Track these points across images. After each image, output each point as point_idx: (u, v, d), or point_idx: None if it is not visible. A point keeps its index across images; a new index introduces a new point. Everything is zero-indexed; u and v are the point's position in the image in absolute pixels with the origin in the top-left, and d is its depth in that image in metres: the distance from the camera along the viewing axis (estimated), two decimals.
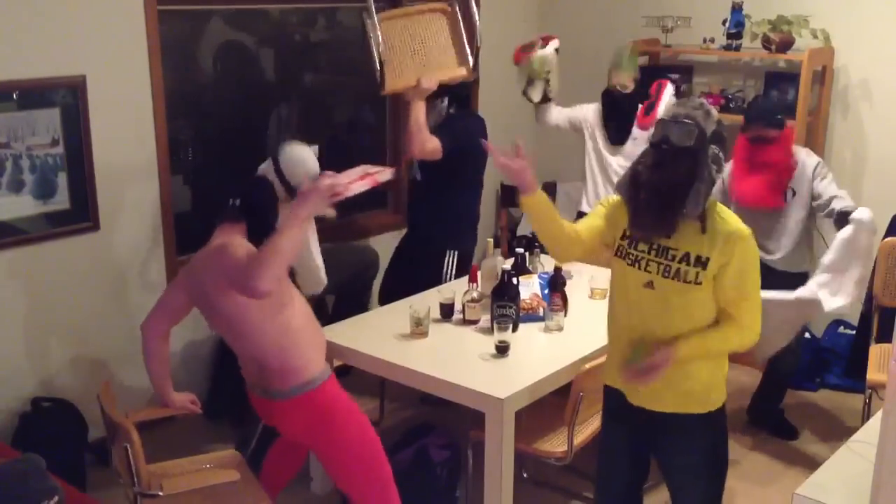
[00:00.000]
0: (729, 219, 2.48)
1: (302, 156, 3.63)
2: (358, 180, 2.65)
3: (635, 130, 4.37)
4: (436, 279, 3.98)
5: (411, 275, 4.04)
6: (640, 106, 4.38)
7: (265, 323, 2.77)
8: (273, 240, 2.56)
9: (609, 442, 2.77)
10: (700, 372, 2.53)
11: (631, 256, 2.53)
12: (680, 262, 2.45)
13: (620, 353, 2.62)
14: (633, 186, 2.46)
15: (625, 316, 2.60)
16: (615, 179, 4.37)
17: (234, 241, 2.79)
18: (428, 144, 3.77)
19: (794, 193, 3.89)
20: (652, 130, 2.51)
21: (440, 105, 3.98)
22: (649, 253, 2.50)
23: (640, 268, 2.51)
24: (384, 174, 2.74)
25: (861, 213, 3.62)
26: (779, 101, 4.25)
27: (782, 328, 3.51)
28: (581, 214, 4.57)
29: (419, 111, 3.74)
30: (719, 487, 2.70)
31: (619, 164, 4.37)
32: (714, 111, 2.48)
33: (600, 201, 2.74)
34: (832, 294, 3.53)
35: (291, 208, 2.59)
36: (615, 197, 2.64)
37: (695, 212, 2.40)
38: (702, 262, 2.43)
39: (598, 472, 2.83)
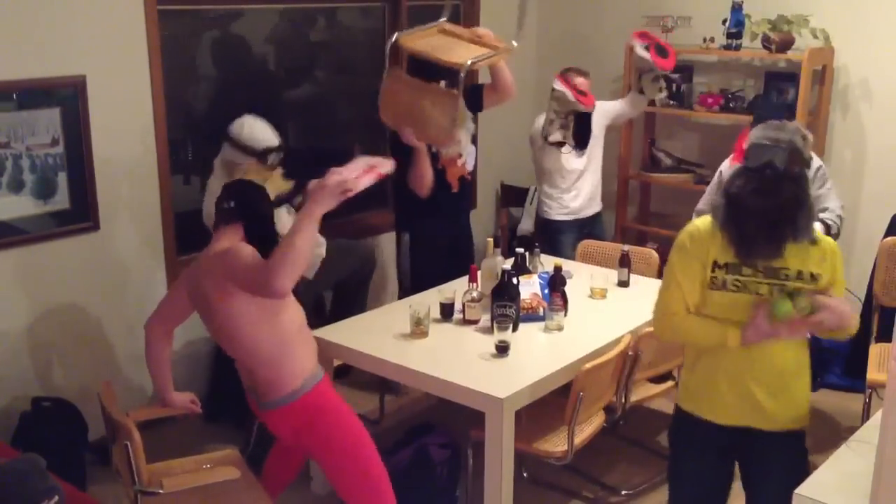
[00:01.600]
0: (821, 234, 2.51)
1: (253, 124, 3.70)
2: (364, 175, 2.64)
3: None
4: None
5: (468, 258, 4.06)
6: (649, 49, 4.53)
7: (260, 331, 2.77)
8: (289, 239, 2.57)
9: (694, 471, 2.71)
10: (802, 385, 2.57)
11: (737, 283, 2.48)
12: (796, 280, 2.45)
13: (725, 381, 2.55)
14: (735, 212, 2.41)
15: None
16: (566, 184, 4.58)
17: (237, 244, 2.78)
18: None
19: None
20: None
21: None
22: (755, 275, 2.46)
23: (749, 292, 2.47)
24: (386, 166, 2.74)
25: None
26: (779, 102, 4.17)
27: None
28: (552, 223, 4.65)
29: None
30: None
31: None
32: (810, 136, 2.48)
33: (680, 252, 2.56)
34: None
35: (304, 207, 2.61)
36: (691, 233, 2.54)
37: (807, 236, 2.41)
38: (814, 279, 2.45)
39: (678, 498, 2.77)
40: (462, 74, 3.59)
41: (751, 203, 2.38)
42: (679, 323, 2.56)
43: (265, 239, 2.83)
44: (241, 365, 2.91)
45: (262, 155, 3.61)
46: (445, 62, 3.66)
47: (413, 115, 3.75)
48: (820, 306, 2.41)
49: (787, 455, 2.60)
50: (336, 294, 4.44)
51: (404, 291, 4.20)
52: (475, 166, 4.22)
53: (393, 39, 3.77)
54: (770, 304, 2.42)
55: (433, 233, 4.17)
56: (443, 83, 3.80)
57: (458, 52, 3.74)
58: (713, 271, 2.50)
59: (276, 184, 3.54)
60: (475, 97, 4.13)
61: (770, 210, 2.37)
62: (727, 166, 3.96)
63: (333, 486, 3.01)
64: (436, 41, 3.86)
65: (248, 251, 2.73)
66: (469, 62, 3.63)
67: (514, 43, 4.02)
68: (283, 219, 3.73)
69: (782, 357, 2.51)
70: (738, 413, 2.56)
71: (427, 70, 3.74)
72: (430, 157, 3.95)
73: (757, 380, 2.52)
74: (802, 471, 2.59)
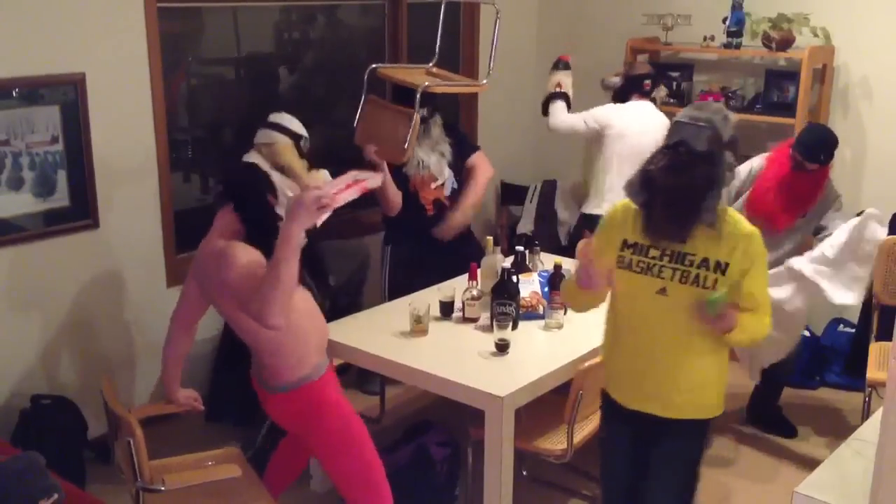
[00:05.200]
0: (739, 221, 2.46)
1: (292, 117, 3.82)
2: (346, 189, 2.59)
3: None
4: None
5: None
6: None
7: None
8: (273, 273, 2.52)
9: (609, 442, 2.78)
10: (706, 375, 2.54)
11: (641, 264, 2.48)
12: (699, 267, 2.42)
13: (623, 363, 2.61)
14: (647, 190, 2.39)
15: (629, 325, 2.57)
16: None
17: (232, 247, 2.73)
18: None
19: (804, 214, 3.87)
20: None
21: (437, 119, 4.19)
22: (662, 259, 2.45)
23: (652, 274, 2.46)
24: (373, 180, 2.72)
25: (872, 210, 3.65)
26: (829, 134, 3.88)
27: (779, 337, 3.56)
28: (588, 217, 4.55)
29: None
30: (692, 495, 2.71)
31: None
32: (732, 116, 2.44)
33: (599, 229, 2.64)
34: (839, 286, 3.57)
35: (283, 228, 2.54)
36: (610, 212, 2.60)
37: (711, 218, 2.38)
38: (721, 268, 2.41)
39: (602, 472, 2.84)
40: (418, 94, 3.84)
41: (660, 180, 2.35)
42: (564, 283, 2.71)
43: (259, 221, 2.80)
44: (250, 348, 2.92)
45: (297, 138, 3.75)
46: (406, 83, 3.97)
47: (374, 132, 4.01)
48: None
49: (680, 443, 2.60)
50: (333, 297, 4.40)
51: (383, 299, 4.24)
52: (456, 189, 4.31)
53: (371, 68, 4.07)
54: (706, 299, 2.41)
55: (408, 253, 4.27)
56: (424, 110, 4.00)
57: (427, 81, 4.03)
58: (622, 250, 2.51)
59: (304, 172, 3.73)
60: (464, 149, 4.34)
61: (677, 188, 2.33)
62: (759, 162, 3.95)
63: (332, 480, 3.02)
64: (413, 74, 4.17)
65: (243, 259, 2.67)
66: (426, 83, 3.91)
67: (485, 81, 4.40)
68: None
69: (683, 345, 2.49)
70: (638, 397, 2.59)
71: (405, 97, 3.98)
72: (402, 180, 4.12)
73: (654, 367, 2.51)
74: (693, 460, 2.64)
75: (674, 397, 2.53)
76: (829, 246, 3.62)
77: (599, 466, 2.85)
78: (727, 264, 2.40)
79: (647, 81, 4.51)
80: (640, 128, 4.35)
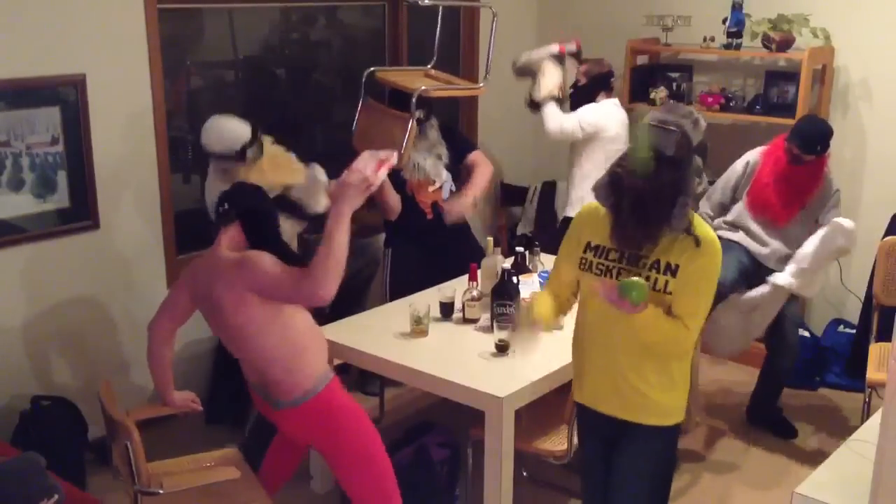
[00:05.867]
0: (702, 228, 2.40)
1: (219, 127, 3.60)
2: (379, 168, 2.71)
3: None
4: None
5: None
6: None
7: (270, 334, 2.77)
8: (325, 246, 2.61)
9: (586, 452, 2.75)
10: (660, 383, 2.51)
11: (600, 266, 2.45)
12: (651, 269, 2.38)
13: (584, 363, 2.58)
14: (614, 192, 2.34)
15: (591, 326, 2.55)
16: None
17: (252, 254, 2.76)
18: None
19: (803, 206, 3.88)
20: None
21: (433, 122, 4.19)
22: (620, 261, 2.43)
23: (610, 277, 2.43)
24: (393, 159, 2.80)
25: (843, 221, 3.74)
26: (824, 125, 3.91)
27: (742, 328, 3.86)
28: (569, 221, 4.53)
29: None
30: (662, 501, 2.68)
31: None
32: (703, 121, 2.39)
33: (567, 233, 2.60)
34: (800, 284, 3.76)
35: (332, 209, 2.65)
36: (579, 214, 2.58)
37: (681, 226, 2.33)
38: (671, 270, 2.37)
39: (582, 484, 2.80)
40: (413, 98, 3.84)
41: (627, 182, 2.29)
42: (535, 297, 2.70)
43: (266, 237, 2.82)
44: (250, 365, 2.91)
45: (240, 155, 3.53)
46: (402, 87, 3.96)
47: (371, 137, 4.00)
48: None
49: (641, 449, 2.55)
50: (338, 294, 4.39)
51: (384, 301, 4.23)
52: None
53: (369, 71, 4.08)
54: (626, 284, 2.32)
55: (408, 255, 4.27)
56: (420, 112, 3.99)
57: (424, 84, 4.04)
58: (584, 252, 2.49)
59: (280, 168, 3.61)
60: (462, 149, 4.35)
61: (643, 192, 2.27)
62: (755, 157, 3.95)
63: (342, 485, 3.02)
64: (411, 77, 4.17)
65: (269, 260, 2.72)
66: (421, 87, 3.90)
67: (482, 85, 4.41)
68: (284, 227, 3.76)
69: (640, 347, 2.45)
70: (599, 398, 2.57)
71: (403, 100, 3.97)
72: (398, 183, 4.12)
73: (612, 367, 2.49)
74: (655, 472, 2.59)
75: (632, 399, 2.50)
76: (802, 258, 3.75)
77: (580, 479, 2.81)
78: (678, 266, 2.36)
79: (613, 79, 4.52)
80: (621, 125, 4.40)
